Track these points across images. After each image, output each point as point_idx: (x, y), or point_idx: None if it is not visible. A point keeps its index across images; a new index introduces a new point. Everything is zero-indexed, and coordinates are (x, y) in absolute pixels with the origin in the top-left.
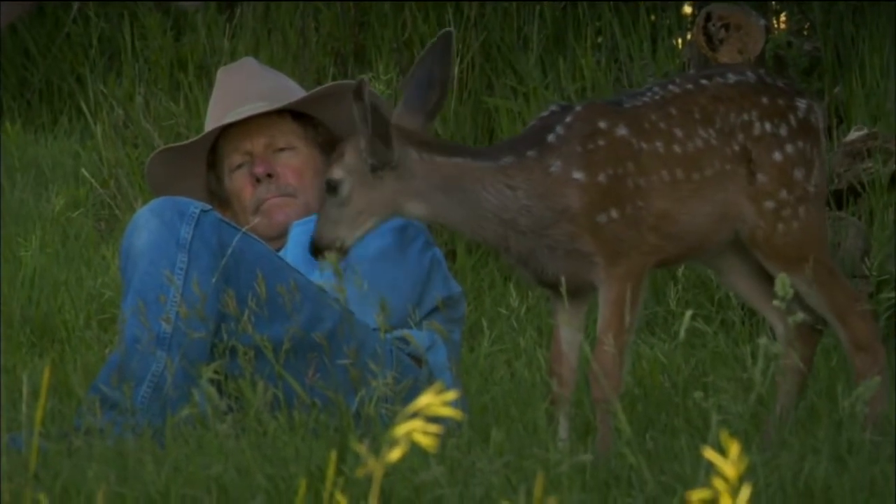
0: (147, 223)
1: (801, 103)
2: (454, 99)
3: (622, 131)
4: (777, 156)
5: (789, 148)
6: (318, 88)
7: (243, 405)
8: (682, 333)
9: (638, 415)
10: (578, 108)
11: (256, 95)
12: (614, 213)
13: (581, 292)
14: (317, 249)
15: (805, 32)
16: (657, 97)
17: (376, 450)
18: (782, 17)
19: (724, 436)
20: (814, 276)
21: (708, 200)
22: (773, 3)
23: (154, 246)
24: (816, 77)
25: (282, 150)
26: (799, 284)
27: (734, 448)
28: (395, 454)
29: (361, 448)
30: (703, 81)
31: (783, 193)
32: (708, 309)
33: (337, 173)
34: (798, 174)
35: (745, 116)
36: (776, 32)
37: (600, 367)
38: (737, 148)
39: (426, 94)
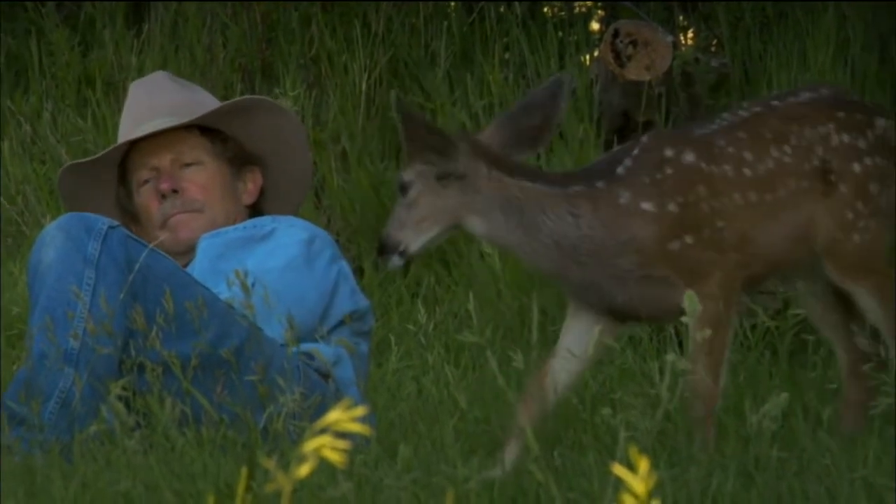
0: (54, 239)
1: (881, 121)
2: (362, 115)
3: (689, 157)
4: (856, 167)
5: (867, 160)
6: (226, 102)
7: (151, 421)
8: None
9: (546, 431)
10: (644, 138)
11: (165, 110)
12: (689, 239)
13: (662, 318)
14: (382, 249)
15: (712, 49)
16: (725, 123)
17: (285, 466)
18: (690, 34)
19: (632, 452)
20: (879, 290)
21: (784, 222)
22: (681, 19)
23: (61, 262)
24: (724, 93)
25: (188, 165)
26: (862, 298)
27: (643, 464)
28: (303, 470)
29: (270, 464)
30: (775, 102)
31: (860, 205)
32: None
33: (408, 175)
34: (873, 188)
35: (822, 129)
36: (684, 49)
37: (694, 388)
38: (816, 163)
39: (528, 122)
